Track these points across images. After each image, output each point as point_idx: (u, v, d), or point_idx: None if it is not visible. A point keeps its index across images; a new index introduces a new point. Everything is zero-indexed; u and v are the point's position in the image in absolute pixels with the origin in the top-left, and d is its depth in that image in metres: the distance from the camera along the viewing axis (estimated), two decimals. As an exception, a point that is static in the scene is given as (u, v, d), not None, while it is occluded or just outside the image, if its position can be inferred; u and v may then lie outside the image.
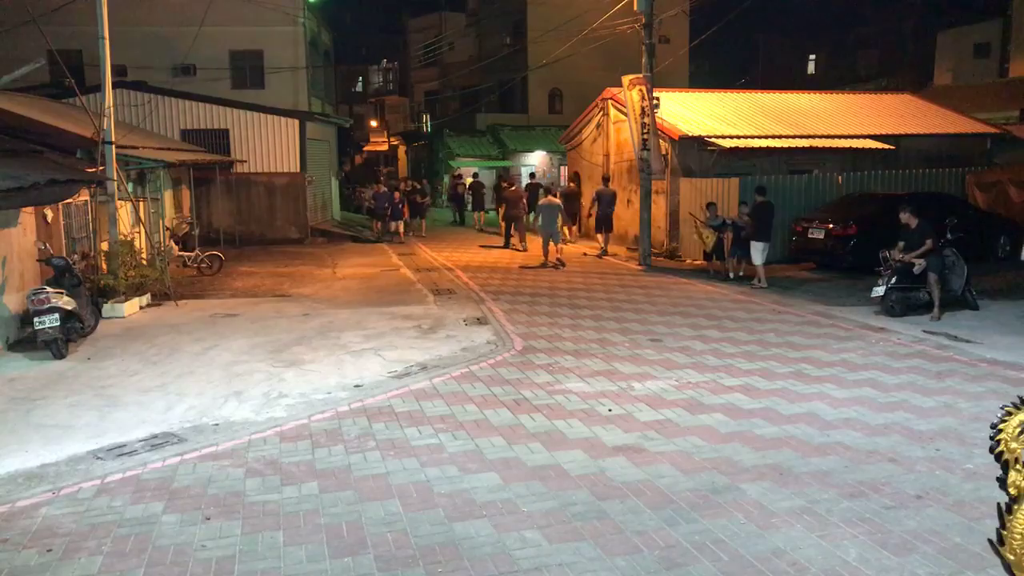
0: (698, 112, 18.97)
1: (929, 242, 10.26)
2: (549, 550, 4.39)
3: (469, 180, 27.98)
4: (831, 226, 14.47)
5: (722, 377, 7.81)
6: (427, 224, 24.90)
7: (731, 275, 14.11)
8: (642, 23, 16.00)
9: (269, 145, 22.64)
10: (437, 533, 4.62)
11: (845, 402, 6.94)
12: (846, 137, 18.38)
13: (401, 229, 22.67)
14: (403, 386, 7.70)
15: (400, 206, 22.61)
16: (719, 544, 4.43)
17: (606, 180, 19.59)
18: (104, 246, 12.30)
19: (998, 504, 3.07)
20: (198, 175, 20.03)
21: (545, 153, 35.28)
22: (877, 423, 6.38)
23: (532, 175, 25.56)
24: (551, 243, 16.44)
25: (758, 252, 13.32)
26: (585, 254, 18.59)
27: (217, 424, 6.72)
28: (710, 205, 14.70)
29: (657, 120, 16.24)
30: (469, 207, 27.59)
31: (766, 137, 17.75)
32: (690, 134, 17.18)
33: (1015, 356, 8.31)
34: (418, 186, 26.89)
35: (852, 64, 43.68)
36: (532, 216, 20.21)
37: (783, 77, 37.23)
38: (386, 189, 23.70)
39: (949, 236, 10.59)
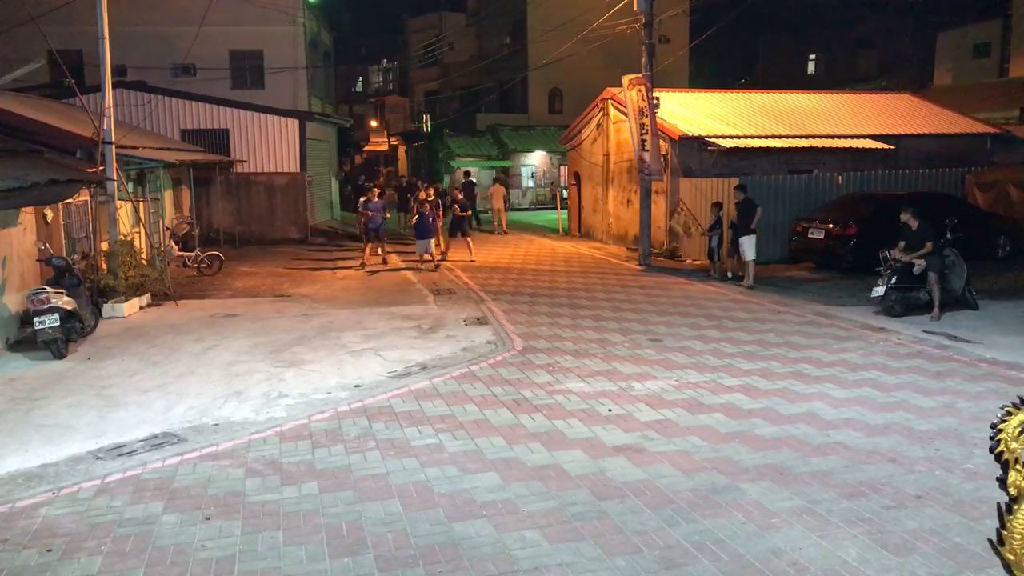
0: (698, 112, 18.96)
1: (929, 244, 10.26)
2: (549, 550, 4.38)
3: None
4: (831, 226, 14.47)
5: (722, 377, 7.81)
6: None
7: (729, 275, 14.10)
8: (642, 23, 16.00)
9: (269, 145, 22.64)
10: (437, 533, 4.62)
11: (845, 402, 6.94)
12: (846, 137, 18.38)
13: (435, 250, 17.06)
14: (403, 386, 7.70)
15: (433, 220, 16.93)
16: (719, 544, 4.43)
17: (468, 181, 25.10)
18: (104, 246, 12.29)
19: (998, 504, 3.07)
20: (198, 175, 20.03)
21: (545, 153, 35.30)
22: (877, 423, 6.38)
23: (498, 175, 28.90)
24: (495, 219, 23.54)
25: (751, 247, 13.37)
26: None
27: (217, 424, 6.72)
28: (716, 205, 14.65)
29: (657, 120, 16.24)
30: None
31: (766, 137, 17.75)
32: (690, 134, 17.18)
33: (1015, 356, 8.30)
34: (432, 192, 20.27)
35: (852, 64, 43.71)
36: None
37: (783, 77, 37.25)
38: (379, 199, 17.73)
39: (949, 236, 10.59)
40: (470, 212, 19.56)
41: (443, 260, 17.36)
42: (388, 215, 17.97)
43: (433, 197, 18.35)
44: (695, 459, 5.68)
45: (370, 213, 16.95)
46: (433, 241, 16.92)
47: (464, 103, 40.76)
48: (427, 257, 16.59)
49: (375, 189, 18.52)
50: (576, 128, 23.32)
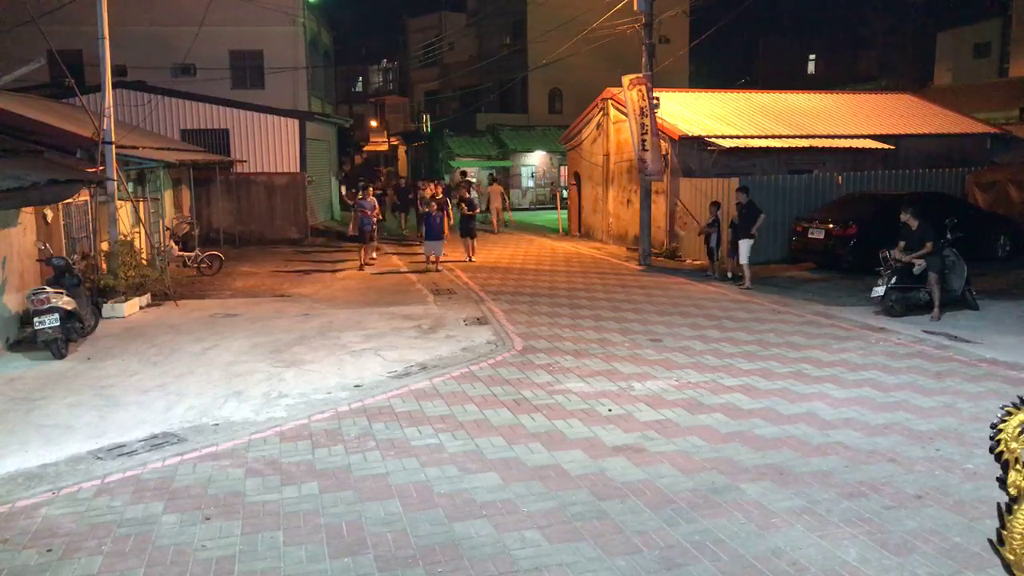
0: (698, 112, 18.97)
1: (929, 244, 10.25)
2: (549, 550, 4.38)
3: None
4: (831, 226, 14.46)
5: (722, 377, 7.81)
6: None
7: (728, 275, 14.09)
8: (642, 23, 16.00)
9: (269, 145, 22.64)
10: (437, 533, 4.62)
11: (845, 402, 6.94)
12: (846, 137, 18.39)
13: (434, 258, 16.26)
14: (403, 386, 7.70)
15: (440, 221, 16.24)
16: (719, 544, 4.43)
17: (466, 181, 23.36)
18: (104, 246, 12.30)
19: (998, 504, 3.07)
20: (198, 175, 20.02)
21: (545, 153, 35.30)
22: (877, 423, 6.38)
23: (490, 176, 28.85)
24: (494, 218, 24.54)
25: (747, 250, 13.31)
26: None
27: (217, 424, 6.72)
28: (714, 204, 14.65)
29: (657, 120, 16.24)
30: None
31: (766, 137, 17.76)
32: (690, 134, 17.18)
33: (1015, 356, 8.30)
34: (440, 191, 19.74)
35: (852, 64, 43.75)
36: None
37: (783, 77, 37.26)
38: (374, 198, 17.45)
39: (949, 236, 10.59)
40: (477, 211, 19.03)
41: (470, 261, 17.16)
42: (380, 216, 17.39)
43: (441, 196, 17.65)
44: (695, 459, 5.68)
45: (367, 212, 16.65)
46: (442, 243, 16.35)
47: (464, 103, 40.76)
48: (432, 258, 16.21)
49: (370, 188, 17.97)
50: (576, 128, 23.33)
